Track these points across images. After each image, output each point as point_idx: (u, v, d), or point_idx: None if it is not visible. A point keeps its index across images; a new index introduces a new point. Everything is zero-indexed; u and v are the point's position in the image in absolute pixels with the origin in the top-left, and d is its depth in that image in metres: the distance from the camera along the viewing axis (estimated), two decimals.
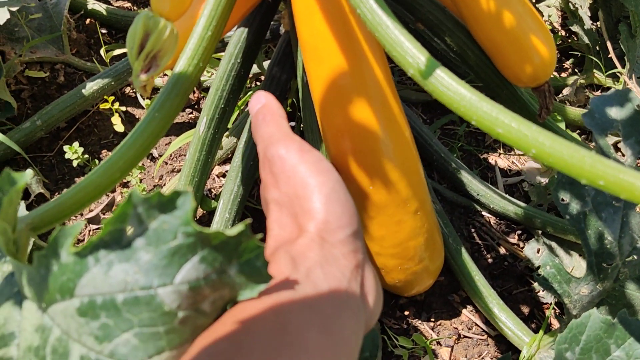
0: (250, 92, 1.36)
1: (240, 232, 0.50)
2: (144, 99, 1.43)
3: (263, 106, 0.81)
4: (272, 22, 1.20)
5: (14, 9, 1.16)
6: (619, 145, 0.93)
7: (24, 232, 0.64)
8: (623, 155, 0.92)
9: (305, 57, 0.97)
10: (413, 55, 0.75)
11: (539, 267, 1.04)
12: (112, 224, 0.49)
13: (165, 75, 1.50)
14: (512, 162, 1.43)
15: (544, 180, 1.34)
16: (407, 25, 1.25)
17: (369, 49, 0.93)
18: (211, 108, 1.11)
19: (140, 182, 1.29)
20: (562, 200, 0.94)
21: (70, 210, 0.76)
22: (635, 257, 0.93)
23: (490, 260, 1.24)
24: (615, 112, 0.93)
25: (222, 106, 1.11)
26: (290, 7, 1.03)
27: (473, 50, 1.04)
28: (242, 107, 1.36)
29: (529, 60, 0.97)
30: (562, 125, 1.35)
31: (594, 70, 1.56)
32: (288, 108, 1.36)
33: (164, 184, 1.30)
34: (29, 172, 1.15)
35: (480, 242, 1.26)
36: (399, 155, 0.95)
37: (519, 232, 1.29)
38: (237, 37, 1.12)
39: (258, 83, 1.48)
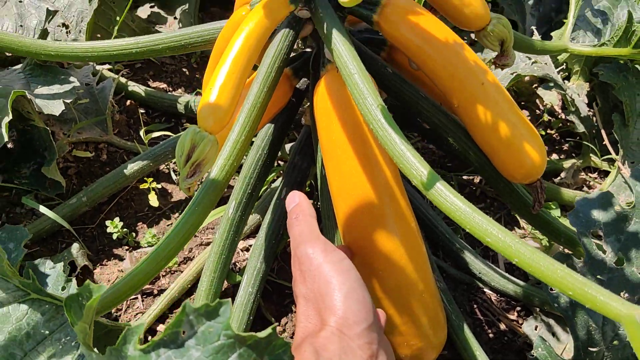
0: (273, 174, 1.50)
1: (269, 334, 0.63)
2: (181, 188, 1.57)
3: (297, 205, 0.96)
4: (296, 115, 1.36)
5: (68, 100, 1.32)
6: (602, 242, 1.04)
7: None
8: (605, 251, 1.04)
9: (324, 157, 1.11)
10: (417, 169, 0.89)
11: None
12: (170, 328, 0.62)
13: None
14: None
15: None
16: (414, 120, 1.41)
17: (379, 152, 1.06)
18: (240, 193, 1.24)
19: None
20: (551, 290, 1.05)
21: (125, 295, 0.90)
22: (617, 342, 1.03)
23: (491, 336, 1.34)
24: (598, 213, 1.05)
25: (250, 191, 1.24)
26: (312, 109, 1.18)
27: (473, 150, 1.17)
28: (265, 187, 1.50)
29: (522, 163, 1.09)
30: (557, 212, 1.46)
31: (591, 155, 1.69)
32: (307, 188, 1.50)
33: (194, 257, 1.43)
34: (76, 245, 1.30)
35: (481, 317, 1.36)
36: (406, 244, 1.07)
37: (518, 308, 1.39)
38: (264, 131, 1.26)
39: (281, 162, 1.63)
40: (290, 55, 1.25)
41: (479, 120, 1.09)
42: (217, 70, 0.96)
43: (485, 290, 1.41)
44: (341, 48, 0.99)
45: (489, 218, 0.83)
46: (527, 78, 1.76)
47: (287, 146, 1.57)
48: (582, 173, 1.68)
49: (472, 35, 1.84)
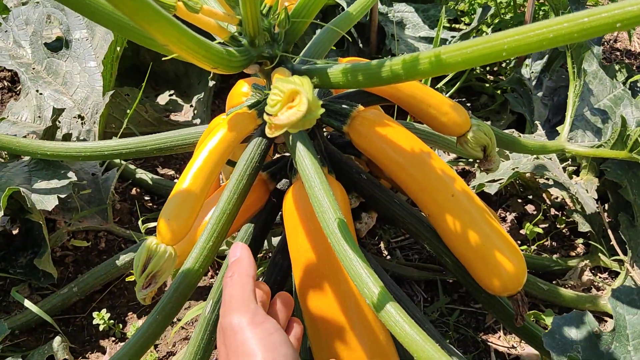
0: (261, 268, 1.50)
1: None
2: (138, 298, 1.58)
3: (236, 261, 0.86)
4: (279, 213, 1.36)
5: (63, 195, 1.37)
6: None
7: None
8: None
9: (292, 264, 1.10)
10: (369, 288, 0.87)
11: None
12: None
13: None
14: (512, 345, 1.46)
15: None
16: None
17: None
18: (217, 292, 1.23)
19: (156, 347, 1.42)
20: None
21: None
22: None
23: None
24: (575, 334, 0.99)
25: None
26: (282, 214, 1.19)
27: (450, 257, 1.14)
28: None
29: (496, 274, 1.05)
30: (549, 321, 1.38)
31: (600, 254, 1.61)
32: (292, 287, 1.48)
33: (176, 352, 1.41)
34: (58, 339, 1.31)
35: None
36: (372, 357, 1.03)
37: None
38: (243, 231, 1.27)
39: (269, 254, 1.62)
40: (265, 162, 1.27)
41: (450, 231, 1.07)
42: (180, 182, 0.98)
43: None
44: (304, 162, 1.00)
45: (435, 346, 0.79)
46: (528, 175, 1.72)
47: (276, 240, 1.56)
48: (590, 274, 1.60)
49: None
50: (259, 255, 1.56)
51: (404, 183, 1.08)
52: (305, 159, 1.00)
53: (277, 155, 1.36)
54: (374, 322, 1.06)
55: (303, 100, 0.61)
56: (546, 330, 1.35)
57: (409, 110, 1.18)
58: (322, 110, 0.64)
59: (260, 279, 1.44)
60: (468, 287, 1.17)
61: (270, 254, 1.62)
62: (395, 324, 0.83)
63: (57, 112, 1.53)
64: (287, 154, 1.30)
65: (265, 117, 0.68)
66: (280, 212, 1.35)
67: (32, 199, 1.33)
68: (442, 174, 1.06)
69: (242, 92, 1.29)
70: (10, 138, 1.32)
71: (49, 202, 1.35)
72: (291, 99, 0.63)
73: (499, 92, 2.08)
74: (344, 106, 1.11)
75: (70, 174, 1.44)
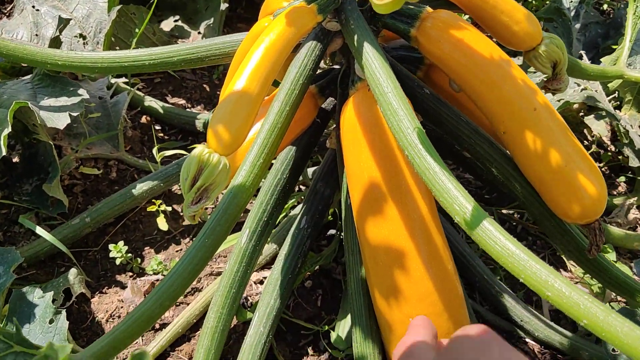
0: (293, 201, 1.38)
1: None
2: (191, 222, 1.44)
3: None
4: (321, 137, 1.23)
5: (75, 114, 1.22)
6: None
7: None
8: None
9: (350, 185, 0.98)
10: (460, 204, 0.76)
11: None
12: None
13: None
14: None
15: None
16: (454, 148, 1.27)
17: (414, 183, 0.93)
18: (254, 221, 1.11)
19: None
20: (613, 350, 0.89)
21: (125, 343, 0.77)
22: None
23: None
24: None
25: (265, 219, 1.11)
26: (338, 132, 1.06)
27: (520, 182, 1.03)
28: (284, 214, 1.37)
29: (578, 199, 0.95)
30: (613, 256, 1.30)
31: None
32: (330, 217, 1.37)
33: (202, 287, 1.30)
34: (73, 271, 1.17)
35: None
36: (439, 289, 0.93)
37: None
38: (284, 154, 1.14)
39: (302, 187, 1.50)
40: (316, 72, 1.14)
41: (528, 149, 0.95)
42: (232, 84, 0.84)
43: (527, 340, 1.25)
44: (374, 64, 0.87)
45: (549, 267, 0.69)
46: (575, 106, 1.61)
47: (310, 170, 1.44)
48: (636, 211, 1.51)
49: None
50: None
51: (480, 94, 0.96)
52: (375, 61, 0.87)
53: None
54: (442, 250, 0.95)
55: None
56: (616, 260, 1.27)
57: (477, 17, 1.04)
58: None
59: (299, 208, 1.32)
60: (535, 215, 1.07)
61: (301, 187, 1.49)
62: (495, 241, 0.72)
63: (64, 22, 1.36)
64: (336, 67, 1.16)
65: None
66: (321, 137, 1.22)
67: (41, 116, 1.18)
68: (523, 85, 0.94)
69: None
70: (15, 45, 1.14)
71: (60, 120, 1.20)
72: None
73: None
74: (411, 7, 0.97)
75: (81, 91, 1.28)
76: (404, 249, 0.92)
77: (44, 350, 0.57)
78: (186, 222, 1.44)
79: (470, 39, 0.94)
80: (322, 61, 1.17)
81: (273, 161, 1.18)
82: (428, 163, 0.79)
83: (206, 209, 1.45)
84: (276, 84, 1.01)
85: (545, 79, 1.10)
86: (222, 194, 0.97)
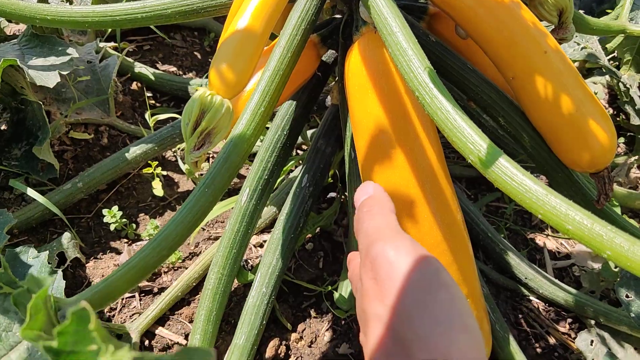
0: (292, 163, 1.34)
1: None
2: (189, 175, 1.40)
3: (370, 197, 0.72)
4: (321, 93, 1.20)
5: (64, 72, 1.17)
6: None
7: None
8: None
9: (355, 134, 0.95)
10: (474, 142, 0.73)
11: None
12: None
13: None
14: (561, 243, 1.37)
15: (597, 266, 1.28)
16: (458, 102, 1.24)
17: (422, 130, 0.90)
18: (255, 179, 1.08)
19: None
20: (627, 296, 0.87)
21: (120, 290, 0.74)
22: None
23: (539, 350, 1.17)
24: None
25: (266, 177, 1.08)
26: (342, 82, 1.03)
27: (528, 132, 1.00)
28: (282, 178, 1.34)
29: (588, 146, 0.92)
30: (618, 210, 1.29)
31: None
32: (330, 179, 1.34)
33: (200, 252, 1.27)
34: (67, 235, 1.14)
35: (528, 329, 1.19)
36: (449, 240, 0.91)
37: (569, 320, 1.21)
38: (284, 109, 1.11)
39: (299, 151, 1.47)
40: (318, 20, 1.10)
41: (538, 95, 0.92)
42: (235, 24, 0.80)
43: (531, 298, 1.23)
44: (381, 2, 0.83)
45: (569, 201, 0.66)
46: (575, 64, 1.59)
47: (309, 133, 1.41)
48: (637, 171, 1.50)
49: None
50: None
51: (487, 38, 0.93)
52: (382, 1, 0.83)
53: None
54: (451, 199, 0.93)
55: None
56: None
57: None
58: None
59: (300, 168, 1.29)
60: (543, 166, 1.04)
61: (298, 151, 1.46)
62: (512, 178, 0.69)
63: None
64: (337, 17, 1.12)
65: None
66: (321, 92, 1.18)
67: (30, 74, 1.13)
68: (533, 27, 0.91)
69: None
70: (2, 0, 1.09)
71: (50, 79, 1.15)
72: None
73: None
74: None
75: (70, 50, 1.23)
76: (413, 197, 0.89)
77: (26, 283, 0.54)
78: (182, 189, 1.40)
79: None
80: (324, 13, 1.14)
81: (271, 122, 1.15)
82: (440, 102, 0.76)
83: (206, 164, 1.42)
84: (274, 37, 0.97)
85: (551, 30, 1.08)
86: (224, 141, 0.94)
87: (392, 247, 0.59)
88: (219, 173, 0.86)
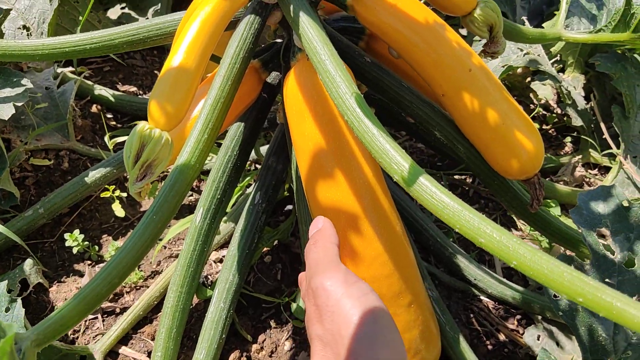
0: (248, 179, 1.39)
1: None
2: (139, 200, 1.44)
3: (318, 231, 0.85)
4: (269, 112, 1.25)
5: (19, 104, 1.21)
6: (608, 241, 0.93)
7: (30, 350, 0.66)
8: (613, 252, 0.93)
9: (296, 154, 1.00)
10: (397, 162, 0.78)
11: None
12: None
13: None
14: None
15: None
16: (400, 115, 1.30)
17: (358, 149, 0.95)
18: (208, 199, 1.12)
19: (139, 268, 1.30)
20: (555, 296, 0.93)
21: (72, 322, 0.78)
22: (631, 352, 0.92)
23: (489, 347, 1.23)
24: (603, 208, 0.94)
25: (219, 197, 1.13)
26: (283, 102, 1.07)
27: (462, 143, 1.06)
28: (240, 192, 1.38)
29: (516, 155, 0.98)
30: (557, 211, 1.36)
31: (590, 150, 1.58)
32: (285, 193, 1.39)
33: (162, 270, 1.31)
34: (29, 262, 1.17)
35: (479, 328, 1.25)
36: (389, 251, 0.96)
37: (518, 317, 1.27)
38: (233, 130, 1.15)
39: (257, 165, 1.52)
40: (259, 47, 1.14)
41: (466, 110, 0.98)
42: (170, 60, 0.85)
43: (481, 297, 1.29)
44: (310, 32, 0.88)
45: (481, 215, 0.72)
46: (519, 70, 1.66)
47: (263, 149, 1.45)
48: (582, 169, 1.57)
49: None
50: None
51: (417, 59, 0.98)
52: (311, 30, 0.88)
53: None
54: (389, 212, 0.98)
55: None
56: (561, 215, 1.32)
57: None
58: None
59: (253, 186, 1.34)
60: (479, 175, 1.11)
61: (256, 165, 1.51)
62: (431, 196, 0.75)
63: (4, 13, 1.33)
64: (279, 40, 1.17)
65: None
66: (269, 112, 1.23)
67: None
68: (458, 48, 0.97)
69: None
70: None
71: (4, 111, 1.18)
72: None
73: None
74: None
75: (25, 81, 1.26)
76: (353, 213, 0.94)
77: None
78: (144, 208, 1.44)
79: (404, 5, 0.97)
80: (267, 36, 1.19)
81: (222, 140, 1.19)
82: (366, 125, 0.81)
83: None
84: (217, 60, 1.01)
85: (483, 47, 1.13)
86: (170, 170, 0.98)
87: (328, 279, 0.72)
88: (166, 200, 0.90)
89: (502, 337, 1.24)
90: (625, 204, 0.93)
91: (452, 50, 0.97)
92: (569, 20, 1.55)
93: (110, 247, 1.29)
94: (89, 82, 1.66)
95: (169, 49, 1.87)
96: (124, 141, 1.48)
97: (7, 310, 0.97)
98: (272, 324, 1.23)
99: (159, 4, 1.91)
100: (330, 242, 0.82)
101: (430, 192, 0.75)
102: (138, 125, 0.81)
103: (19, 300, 0.97)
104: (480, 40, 1.69)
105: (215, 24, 0.87)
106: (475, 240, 0.71)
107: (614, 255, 0.92)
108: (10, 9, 1.40)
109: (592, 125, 1.60)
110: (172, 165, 0.91)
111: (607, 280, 0.91)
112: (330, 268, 0.75)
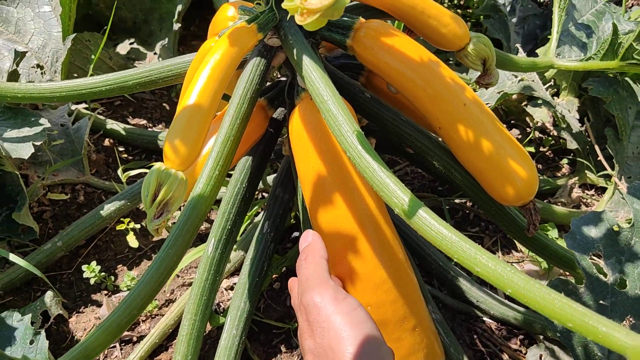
0: (256, 208, 1.44)
1: None
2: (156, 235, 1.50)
3: (308, 245, 0.90)
4: (275, 145, 1.31)
5: (38, 143, 1.27)
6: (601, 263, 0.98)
7: None
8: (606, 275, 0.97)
9: (302, 187, 1.05)
10: (397, 196, 0.84)
11: None
12: None
13: None
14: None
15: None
16: (400, 145, 1.35)
17: (360, 181, 1.01)
18: (219, 230, 1.18)
19: None
20: None
21: (96, 352, 0.83)
22: None
23: None
24: (595, 233, 0.99)
25: (229, 227, 1.18)
26: (288, 138, 1.13)
27: (460, 172, 1.12)
28: (249, 222, 1.44)
29: (510, 183, 1.04)
30: (554, 233, 1.40)
31: (586, 171, 1.63)
32: (292, 220, 1.44)
33: (175, 298, 1.36)
34: (49, 294, 1.23)
35: (483, 349, 1.29)
36: (393, 277, 1.00)
37: (520, 337, 1.31)
38: (242, 164, 1.21)
39: (265, 194, 1.57)
40: (265, 85, 1.20)
41: (462, 141, 1.04)
42: (182, 104, 0.91)
43: (484, 319, 1.33)
44: (313, 75, 0.94)
45: (477, 246, 0.77)
46: (515, 96, 1.72)
47: (270, 178, 1.51)
48: (579, 190, 1.62)
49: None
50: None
51: (414, 95, 1.04)
52: (314, 73, 0.94)
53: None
54: (392, 240, 1.03)
55: None
56: (558, 237, 1.36)
57: (408, 23, 1.13)
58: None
59: (261, 214, 1.39)
60: (477, 202, 1.16)
61: (264, 194, 1.56)
62: (430, 227, 0.80)
63: (20, 56, 1.40)
64: (283, 79, 1.23)
65: (292, 4, 0.63)
66: (275, 145, 1.29)
67: (5, 147, 1.22)
68: (452, 83, 1.03)
69: (227, 17, 1.21)
70: None
71: (24, 150, 1.25)
72: None
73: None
74: (345, 19, 1.05)
75: (43, 121, 1.33)
76: (357, 242, 1.00)
77: None
78: (156, 238, 1.50)
79: (400, 45, 1.03)
80: (273, 74, 1.25)
81: (232, 172, 1.25)
82: (367, 161, 0.86)
83: (173, 223, 1.51)
84: (227, 97, 1.07)
85: (477, 78, 1.19)
86: (184, 205, 1.04)
87: (319, 295, 0.77)
88: (181, 234, 0.96)
89: (505, 357, 1.28)
90: (616, 228, 0.98)
91: (447, 85, 1.03)
92: (560, 49, 1.61)
93: (126, 277, 1.35)
94: (101, 117, 1.73)
95: (174, 85, 1.94)
96: (137, 174, 1.55)
97: (31, 342, 1.02)
98: (283, 348, 1.27)
99: (167, 39, 1.99)
100: (319, 256, 0.86)
101: (429, 224, 0.80)
102: (155, 166, 0.87)
103: (43, 333, 1.03)
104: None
105: (225, 69, 0.93)
106: (472, 269, 0.76)
107: (606, 277, 0.96)
108: (27, 52, 1.47)
109: (588, 147, 1.65)
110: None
111: (601, 302, 0.95)
112: (320, 284, 0.79)
